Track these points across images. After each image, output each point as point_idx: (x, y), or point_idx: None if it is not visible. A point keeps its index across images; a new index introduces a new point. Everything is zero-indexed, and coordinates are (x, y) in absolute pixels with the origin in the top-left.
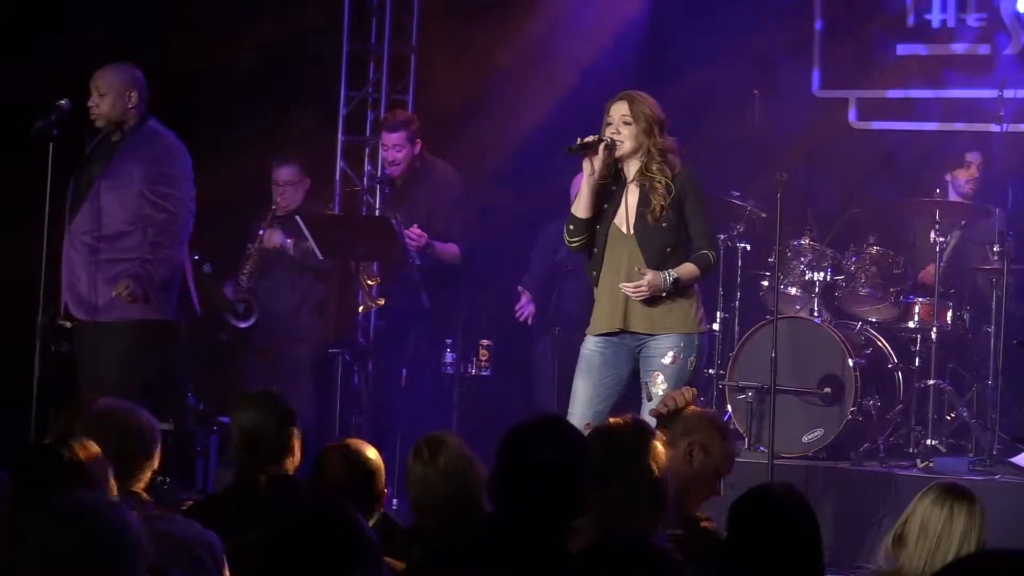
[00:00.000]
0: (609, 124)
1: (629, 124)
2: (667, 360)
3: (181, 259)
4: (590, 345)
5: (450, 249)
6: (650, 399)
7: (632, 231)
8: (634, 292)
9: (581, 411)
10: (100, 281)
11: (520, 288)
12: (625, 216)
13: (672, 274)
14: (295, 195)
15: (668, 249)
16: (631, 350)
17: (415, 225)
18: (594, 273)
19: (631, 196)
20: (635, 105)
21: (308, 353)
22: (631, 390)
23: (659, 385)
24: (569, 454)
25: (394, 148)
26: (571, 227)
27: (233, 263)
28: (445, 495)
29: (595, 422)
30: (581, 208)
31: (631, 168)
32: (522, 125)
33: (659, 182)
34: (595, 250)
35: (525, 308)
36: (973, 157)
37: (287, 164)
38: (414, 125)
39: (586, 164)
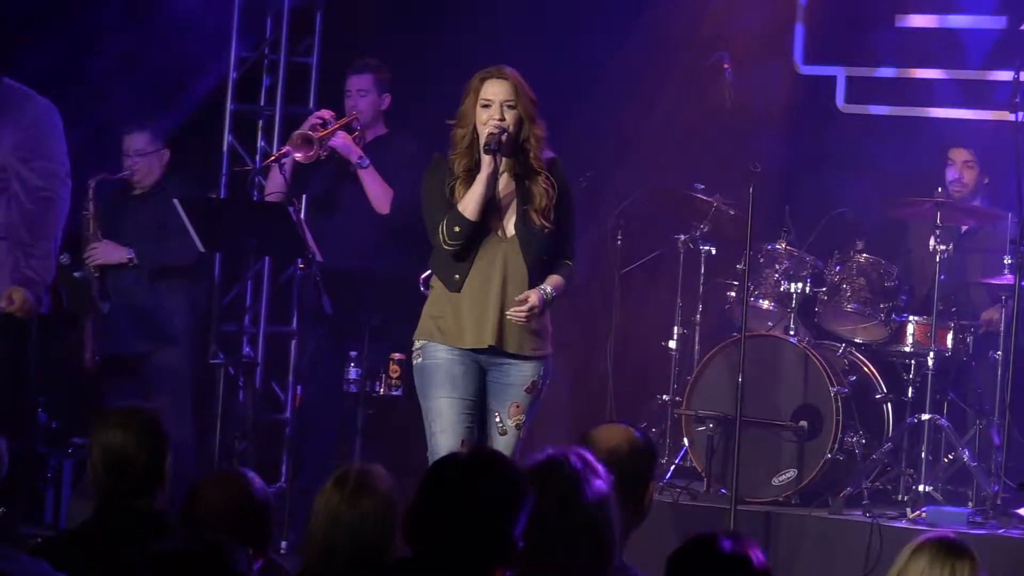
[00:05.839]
0: (486, 106)
1: (513, 108)
2: (528, 387)
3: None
4: (442, 353)
5: (384, 190)
6: (504, 434)
7: (513, 233)
8: (526, 317)
9: (453, 428)
10: None
11: None
12: (499, 216)
13: (550, 292)
14: (149, 168)
15: (545, 257)
16: (480, 368)
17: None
18: (456, 277)
19: (505, 192)
20: (518, 86)
21: (182, 360)
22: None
23: (515, 417)
24: (506, 494)
25: (358, 93)
26: (456, 229)
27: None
28: (360, 541)
29: (470, 441)
30: (473, 210)
31: (502, 160)
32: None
33: (541, 175)
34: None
35: None
36: (957, 154)
37: (138, 130)
38: (384, 73)
39: (488, 159)
